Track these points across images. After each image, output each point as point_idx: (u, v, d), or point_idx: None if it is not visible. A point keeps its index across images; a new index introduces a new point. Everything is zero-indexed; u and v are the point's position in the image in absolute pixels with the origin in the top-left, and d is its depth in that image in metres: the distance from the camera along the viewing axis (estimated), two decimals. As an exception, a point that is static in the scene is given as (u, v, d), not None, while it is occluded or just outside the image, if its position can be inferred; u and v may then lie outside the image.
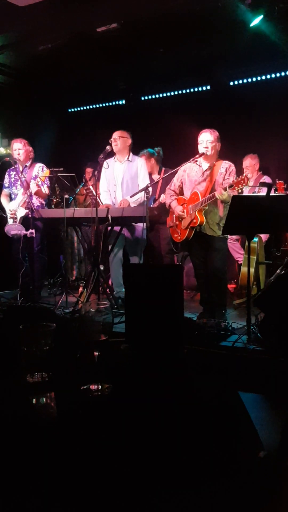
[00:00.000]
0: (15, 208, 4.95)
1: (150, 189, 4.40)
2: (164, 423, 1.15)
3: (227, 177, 3.95)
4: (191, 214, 3.98)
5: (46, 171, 4.90)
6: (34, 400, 1.25)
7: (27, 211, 4.82)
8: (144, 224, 4.37)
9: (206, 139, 3.94)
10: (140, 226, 4.73)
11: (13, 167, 5.08)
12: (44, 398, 1.27)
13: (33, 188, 4.77)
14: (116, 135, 4.71)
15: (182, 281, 1.80)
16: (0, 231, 5.04)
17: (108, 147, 4.56)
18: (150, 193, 4.62)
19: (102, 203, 4.90)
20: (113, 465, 0.98)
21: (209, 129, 4.01)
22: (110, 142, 4.67)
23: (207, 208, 3.91)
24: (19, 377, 1.33)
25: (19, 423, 1.14)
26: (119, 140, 4.67)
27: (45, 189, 5.01)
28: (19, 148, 5.02)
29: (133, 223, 4.71)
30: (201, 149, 3.98)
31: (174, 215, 4.27)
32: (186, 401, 1.29)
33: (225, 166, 3.98)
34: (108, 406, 1.26)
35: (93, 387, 1.31)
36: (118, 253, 4.84)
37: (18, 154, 5.00)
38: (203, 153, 3.95)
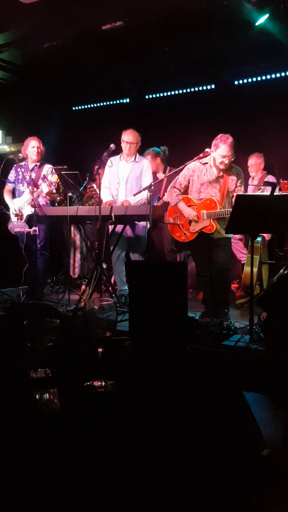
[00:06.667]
0: (21, 206, 4.96)
1: (152, 187, 4.38)
2: (167, 420, 1.15)
3: (239, 185, 4.00)
4: (206, 220, 3.98)
5: (55, 176, 4.92)
6: (37, 395, 1.25)
7: (33, 209, 4.82)
8: (146, 222, 4.37)
9: (228, 156, 3.85)
10: (141, 224, 4.73)
11: (21, 164, 5.09)
12: (47, 394, 1.27)
13: (45, 189, 4.79)
14: (130, 139, 4.67)
15: (186, 278, 1.79)
16: (2, 228, 5.05)
17: (112, 146, 4.54)
18: (153, 192, 4.61)
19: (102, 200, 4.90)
20: (115, 462, 0.98)
21: (227, 138, 3.86)
22: (121, 141, 4.65)
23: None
24: (23, 373, 1.33)
25: (22, 418, 1.14)
26: (133, 145, 4.67)
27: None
28: (37, 146, 5.04)
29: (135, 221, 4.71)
30: (218, 159, 3.89)
31: (178, 214, 4.26)
32: (189, 399, 1.29)
33: (236, 173, 4.00)
34: (111, 403, 1.26)
35: (97, 383, 1.32)
36: (120, 252, 4.84)
37: (37, 152, 5.02)
38: (207, 152, 3.96)
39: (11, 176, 5.16)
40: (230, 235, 4.13)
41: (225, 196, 3.98)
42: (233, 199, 3.89)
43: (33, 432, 1.07)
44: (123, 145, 4.65)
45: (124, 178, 4.76)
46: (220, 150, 3.86)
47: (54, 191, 5.02)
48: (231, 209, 3.81)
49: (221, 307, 4.03)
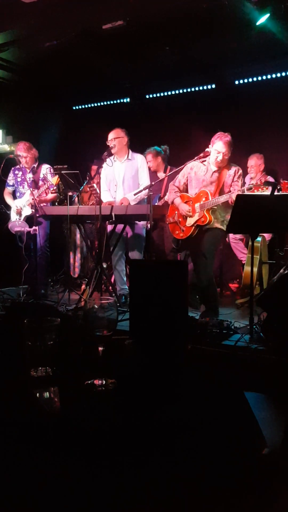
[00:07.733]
0: (21, 206, 4.97)
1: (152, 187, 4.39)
2: (168, 419, 1.15)
3: (236, 179, 4.00)
4: (199, 212, 4.00)
5: (55, 178, 4.91)
6: (38, 394, 1.25)
7: (32, 210, 4.83)
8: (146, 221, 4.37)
9: (223, 152, 3.90)
10: (141, 223, 4.73)
11: (19, 167, 5.09)
12: (48, 393, 1.27)
13: (49, 196, 4.85)
14: (111, 136, 4.67)
15: (187, 278, 1.80)
16: (2, 228, 5.05)
17: (112, 145, 4.56)
18: (154, 192, 4.62)
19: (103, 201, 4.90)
20: (115, 460, 0.98)
21: (225, 136, 3.92)
22: (107, 144, 4.64)
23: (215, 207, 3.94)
24: (23, 372, 1.33)
25: (23, 417, 1.14)
26: (115, 141, 4.64)
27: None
28: (24, 156, 5.02)
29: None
30: (214, 154, 3.95)
31: (176, 212, 4.27)
32: (189, 398, 1.29)
33: (233, 169, 4.03)
34: (111, 401, 1.26)
35: (97, 382, 1.32)
36: (121, 252, 4.85)
37: (26, 162, 5.03)
38: (207, 152, 3.97)
39: (10, 179, 5.17)
40: (223, 228, 4.09)
41: (219, 190, 4.00)
42: (231, 195, 3.86)
43: (34, 431, 1.07)
44: (110, 146, 4.63)
45: (121, 178, 4.77)
46: (215, 145, 3.93)
47: (54, 192, 5.03)
48: (221, 197, 3.84)
49: (208, 300, 4.00)
